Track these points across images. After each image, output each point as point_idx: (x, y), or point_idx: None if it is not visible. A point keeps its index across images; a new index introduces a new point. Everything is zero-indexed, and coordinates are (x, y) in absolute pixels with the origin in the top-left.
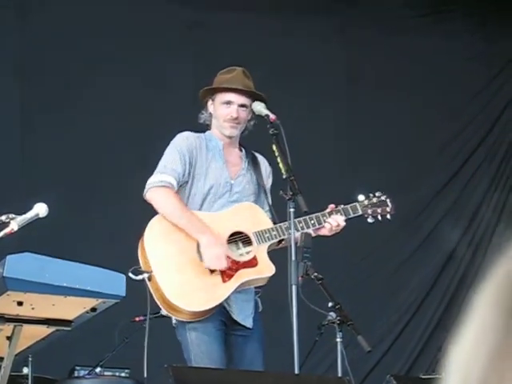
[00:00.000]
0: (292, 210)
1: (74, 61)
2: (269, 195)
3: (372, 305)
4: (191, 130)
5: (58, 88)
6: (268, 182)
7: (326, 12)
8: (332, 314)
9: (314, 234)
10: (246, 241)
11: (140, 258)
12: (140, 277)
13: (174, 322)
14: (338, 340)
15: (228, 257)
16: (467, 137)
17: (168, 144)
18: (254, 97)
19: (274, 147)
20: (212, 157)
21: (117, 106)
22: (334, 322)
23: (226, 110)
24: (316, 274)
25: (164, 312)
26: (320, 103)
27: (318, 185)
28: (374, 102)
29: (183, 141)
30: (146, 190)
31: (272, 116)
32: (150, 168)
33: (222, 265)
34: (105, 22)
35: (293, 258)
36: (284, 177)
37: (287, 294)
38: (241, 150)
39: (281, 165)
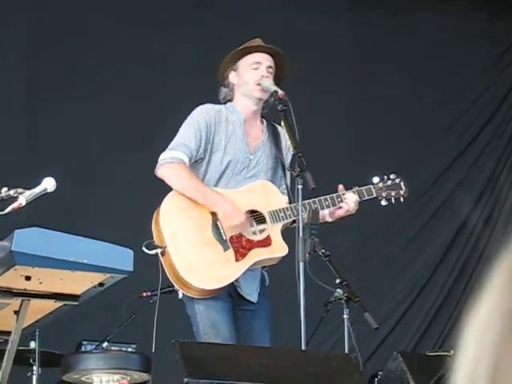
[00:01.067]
0: (300, 186)
1: (79, 43)
2: (287, 171)
3: (379, 282)
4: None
5: (64, 67)
6: (288, 156)
7: None
8: (339, 290)
9: (330, 219)
10: (260, 219)
11: (154, 232)
12: (154, 251)
13: (180, 296)
14: (345, 317)
15: (242, 235)
16: (473, 116)
17: (176, 124)
18: (279, 61)
19: (283, 123)
20: (232, 131)
21: (122, 86)
22: (341, 299)
23: (256, 72)
24: (323, 250)
25: (180, 295)
26: (328, 83)
27: (328, 165)
28: (380, 82)
29: (201, 115)
30: (157, 167)
31: (280, 92)
32: (156, 144)
33: (246, 229)
34: (110, 7)
35: (300, 234)
36: (292, 153)
37: (294, 270)
38: (262, 122)
39: (289, 141)
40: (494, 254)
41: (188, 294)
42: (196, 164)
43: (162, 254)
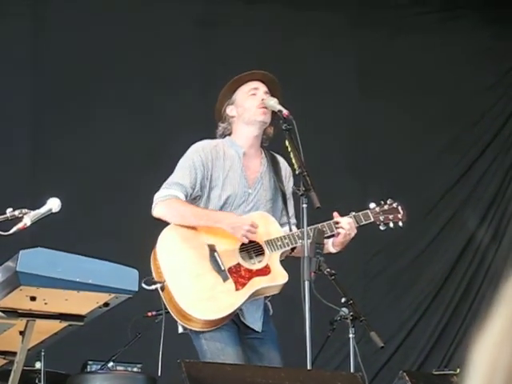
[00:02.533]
0: (305, 205)
1: (88, 59)
2: (290, 199)
3: (384, 300)
4: (209, 138)
5: (70, 84)
6: (289, 185)
7: (337, 9)
8: (344, 309)
9: (334, 250)
10: (259, 251)
11: (152, 268)
12: (153, 287)
13: (180, 330)
14: (351, 336)
15: (240, 265)
16: (480, 132)
17: (179, 147)
18: (271, 86)
19: (287, 142)
20: (231, 166)
21: (129, 105)
22: (346, 318)
23: (254, 97)
24: (329, 269)
25: (180, 329)
26: (330, 101)
27: (329, 185)
28: (385, 96)
29: (197, 153)
30: (152, 207)
31: (285, 111)
32: (161, 166)
33: (255, 232)
34: (116, 22)
35: (305, 253)
36: (297, 172)
37: (300, 289)
38: (261, 153)
39: (294, 160)
40: (500, 272)
41: (190, 328)
42: (194, 202)
43: (162, 289)
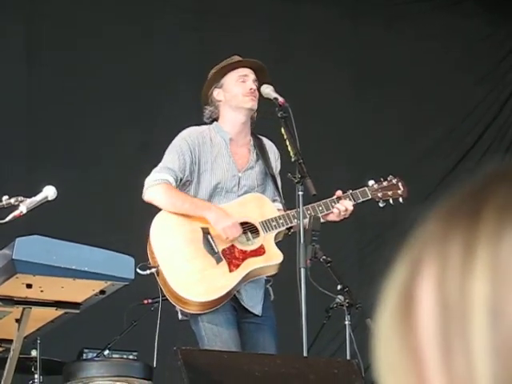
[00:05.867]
0: (301, 193)
1: (81, 55)
2: (278, 180)
3: (380, 286)
4: (196, 124)
5: (63, 76)
6: (277, 167)
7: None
8: (340, 296)
9: (322, 220)
10: (254, 231)
11: (148, 254)
12: (148, 271)
13: (180, 317)
14: (347, 323)
15: (234, 247)
16: (475, 120)
17: (172, 132)
18: (261, 75)
19: (283, 130)
20: (218, 152)
21: (121, 94)
22: (342, 305)
23: (243, 85)
24: (324, 256)
25: (180, 316)
26: (328, 87)
27: (327, 170)
28: (383, 86)
29: (183, 140)
30: (143, 192)
31: (281, 99)
32: (157, 159)
33: (239, 231)
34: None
35: (301, 241)
36: (292, 160)
37: (295, 276)
38: (249, 140)
39: (289, 148)
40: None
41: (188, 311)
42: (185, 187)
43: (157, 273)
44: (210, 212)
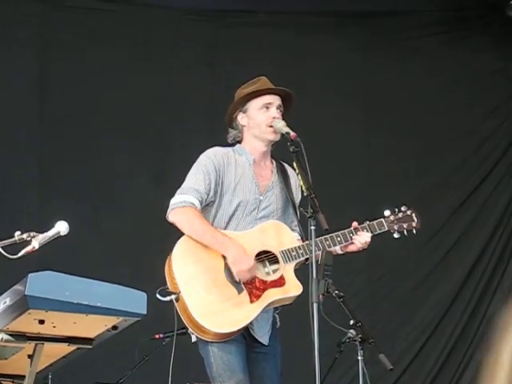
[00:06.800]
0: (313, 227)
1: (92, 81)
2: (297, 209)
3: (392, 322)
4: (220, 145)
5: (75, 105)
6: (298, 195)
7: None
8: (352, 331)
9: (341, 252)
10: (273, 259)
11: (167, 278)
12: (168, 298)
13: (193, 339)
14: (360, 358)
15: (255, 277)
16: (486, 152)
17: (186, 163)
18: (285, 100)
19: (295, 165)
20: (242, 173)
21: (133, 124)
22: (355, 340)
23: (266, 114)
24: (337, 291)
25: (193, 338)
26: (339, 119)
27: (340, 201)
28: (393, 117)
29: (209, 159)
30: (168, 212)
31: (292, 134)
32: (168, 187)
33: (253, 275)
34: (121, 46)
35: (314, 275)
36: (305, 194)
37: (308, 311)
38: (271, 162)
39: (301, 182)
40: (508, 292)
41: (204, 338)
42: (207, 207)
43: (177, 299)
44: (228, 251)
